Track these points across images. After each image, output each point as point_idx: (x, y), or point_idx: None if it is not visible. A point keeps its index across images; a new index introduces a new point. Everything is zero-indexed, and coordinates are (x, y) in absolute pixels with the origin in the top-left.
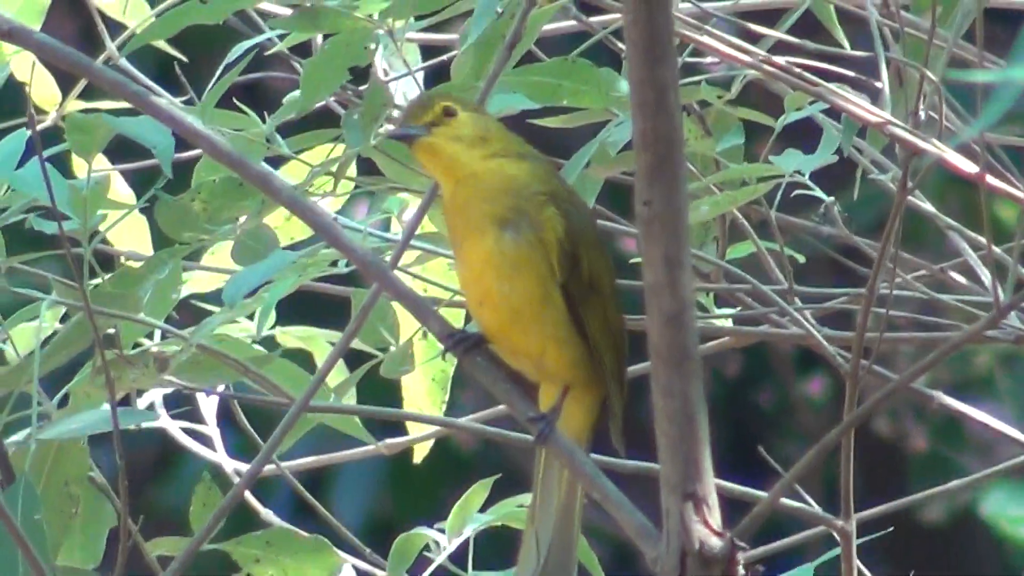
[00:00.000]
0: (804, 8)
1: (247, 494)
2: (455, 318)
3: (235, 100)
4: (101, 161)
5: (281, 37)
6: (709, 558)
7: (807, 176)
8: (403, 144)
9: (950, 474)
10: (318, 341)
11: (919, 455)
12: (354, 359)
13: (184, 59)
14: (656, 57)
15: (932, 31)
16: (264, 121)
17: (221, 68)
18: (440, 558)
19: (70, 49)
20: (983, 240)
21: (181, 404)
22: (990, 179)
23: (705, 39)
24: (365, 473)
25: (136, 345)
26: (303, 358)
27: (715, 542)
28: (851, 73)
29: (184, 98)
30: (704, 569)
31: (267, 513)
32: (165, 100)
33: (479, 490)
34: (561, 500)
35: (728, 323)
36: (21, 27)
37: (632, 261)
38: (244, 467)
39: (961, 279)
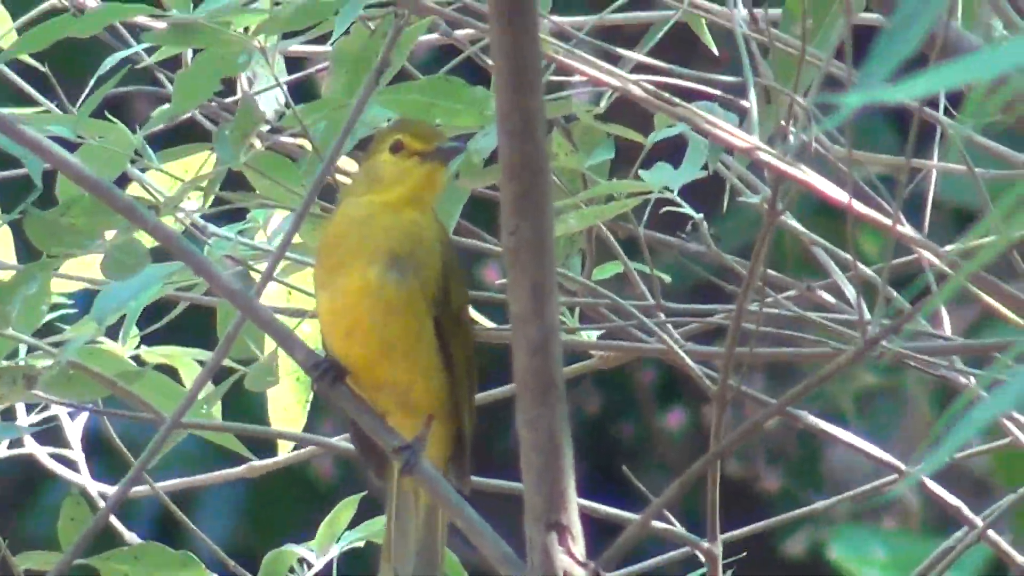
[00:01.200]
0: (671, 24)
1: (111, 517)
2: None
3: (106, 113)
4: None
5: (150, 52)
6: None
7: (676, 192)
8: (431, 160)
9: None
10: (182, 359)
11: (773, 494)
12: (219, 372)
13: (46, 71)
14: (523, 85)
15: (803, 49)
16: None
17: (93, 81)
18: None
19: None
20: (850, 260)
21: (46, 424)
22: (856, 205)
23: (573, 61)
24: (227, 500)
25: (10, 357)
26: (173, 371)
27: (579, 572)
28: (719, 93)
29: (54, 103)
30: None
31: (131, 536)
32: (33, 111)
33: (346, 508)
34: (418, 530)
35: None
36: None
37: (498, 287)
38: (110, 489)
39: (830, 298)
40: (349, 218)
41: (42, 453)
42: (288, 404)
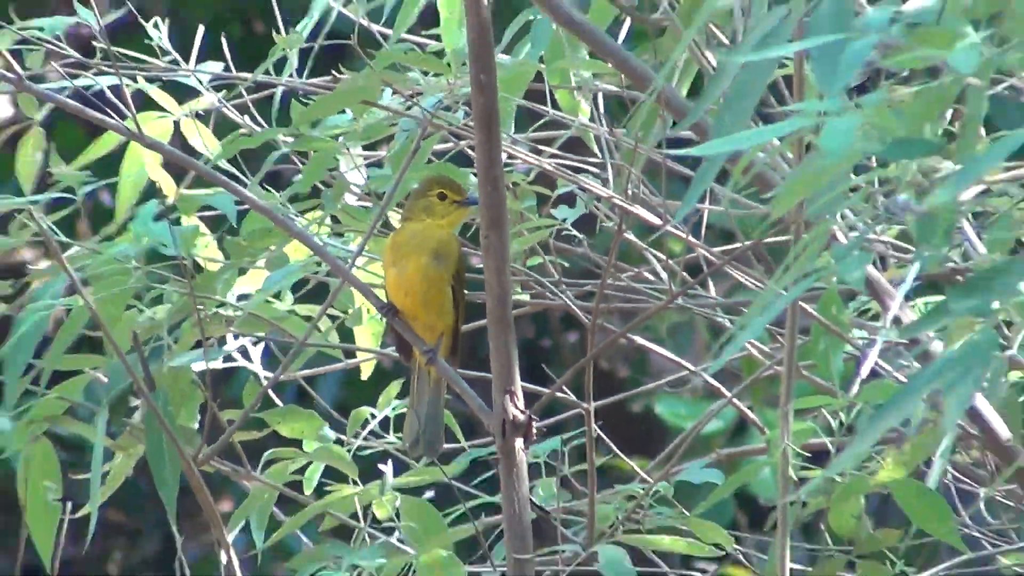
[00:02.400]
0: (568, 134)
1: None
2: (382, 295)
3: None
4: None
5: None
6: (517, 425)
7: (568, 223)
8: (461, 205)
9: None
10: (314, 310)
11: (625, 377)
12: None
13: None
14: (492, 163)
15: (636, 145)
16: (283, 185)
17: (264, 168)
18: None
19: (188, 157)
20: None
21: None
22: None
23: (517, 151)
24: (333, 384)
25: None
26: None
27: (521, 416)
28: (592, 168)
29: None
30: (515, 431)
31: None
32: (229, 181)
33: (395, 386)
34: (430, 393)
35: (526, 298)
36: (159, 142)
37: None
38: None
39: (651, 277)
40: (411, 232)
41: (240, 359)
42: (366, 334)
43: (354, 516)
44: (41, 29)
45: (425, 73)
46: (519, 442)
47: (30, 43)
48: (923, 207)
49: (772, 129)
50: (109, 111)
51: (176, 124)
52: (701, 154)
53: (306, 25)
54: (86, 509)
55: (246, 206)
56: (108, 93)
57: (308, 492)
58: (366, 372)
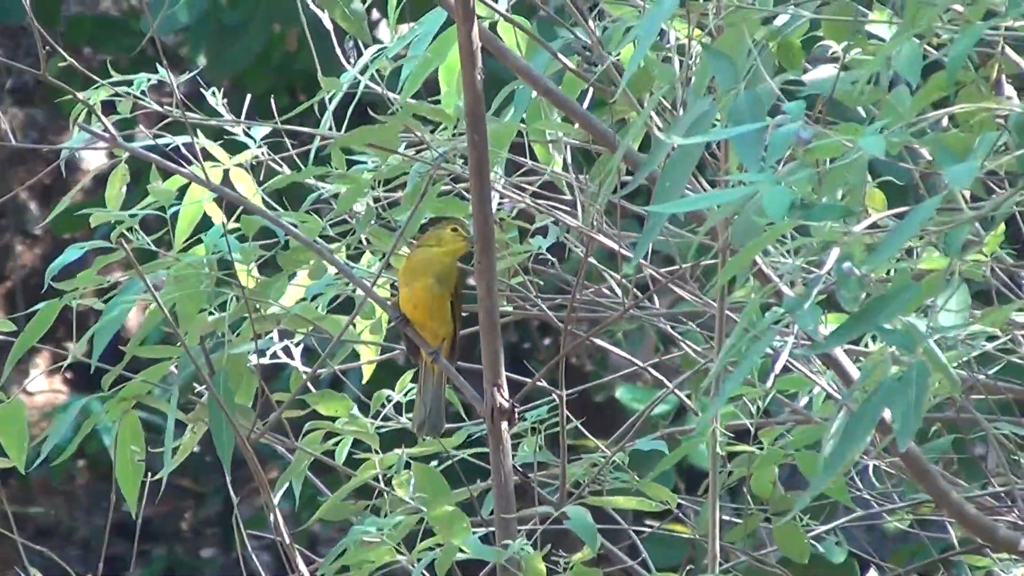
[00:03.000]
0: (543, 179)
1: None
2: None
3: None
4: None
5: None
6: (503, 411)
7: (543, 248)
8: (466, 240)
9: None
10: (344, 317)
11: (590, 371)
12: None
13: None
14: (483, 202)
15: (599, 188)
16: (322, 219)
17: (305, 205)
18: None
19: (242, 196)
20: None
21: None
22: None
23: (504, 191)
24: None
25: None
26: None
27: (506, 404)
28: (563, 206)
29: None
30: (501, 416)
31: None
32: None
33: (408, 375)
34: (433, 385)
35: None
36: (219, 186)
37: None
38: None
39: (609, 292)
40: (421, 258)
41: (284, 356)
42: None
43: (375, 480)
44: (130, 84)
45: (432, 130)
46: (504, 425)
47: (120, 95)
48: (859, 272)
49: (706, 197)
50: (175, 158)
51: (226, 172)
52: (650, 210)
53: (339, 88)
54: (160, 474)
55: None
56: (181, 148)
57: (340, 461)
58: (367, 374)
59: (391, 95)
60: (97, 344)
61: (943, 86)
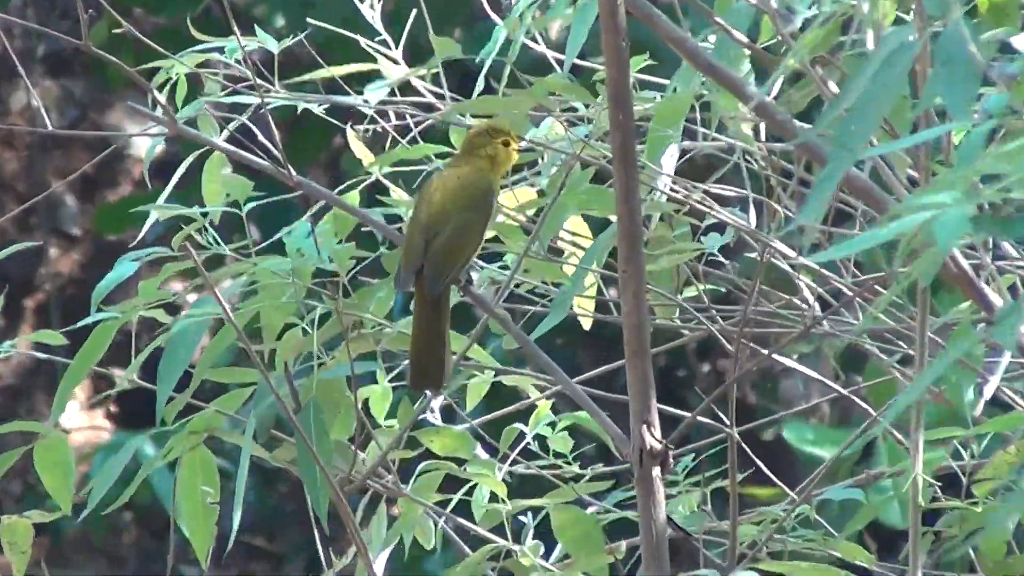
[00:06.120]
0: (726, 168)
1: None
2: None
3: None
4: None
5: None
6: (655, 454)
7: (716, 249)
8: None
9: (770, 415)
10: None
11: (756, 405)
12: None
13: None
14: (630, 195)
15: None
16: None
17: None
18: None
19: (327, 191)
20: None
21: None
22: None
23: (655, 184)
24: None
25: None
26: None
27: (657, 445)
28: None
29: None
30: (651, 461)
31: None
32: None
33: (545, 407)
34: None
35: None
36: (307, 182)
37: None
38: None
39: (802, 304)
40: (463, 180)
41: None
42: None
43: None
44: (221, 51)
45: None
46: (656, 470)
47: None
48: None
49: (874, 235)
50: (256, 151)
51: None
52: (831, 163)
53: (453, 51)
54: (230, 527)
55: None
56: (258, 134)
57: (477, 513)
58: (472, 399)
59: (551, 55)
60: (164, 376)
61: None
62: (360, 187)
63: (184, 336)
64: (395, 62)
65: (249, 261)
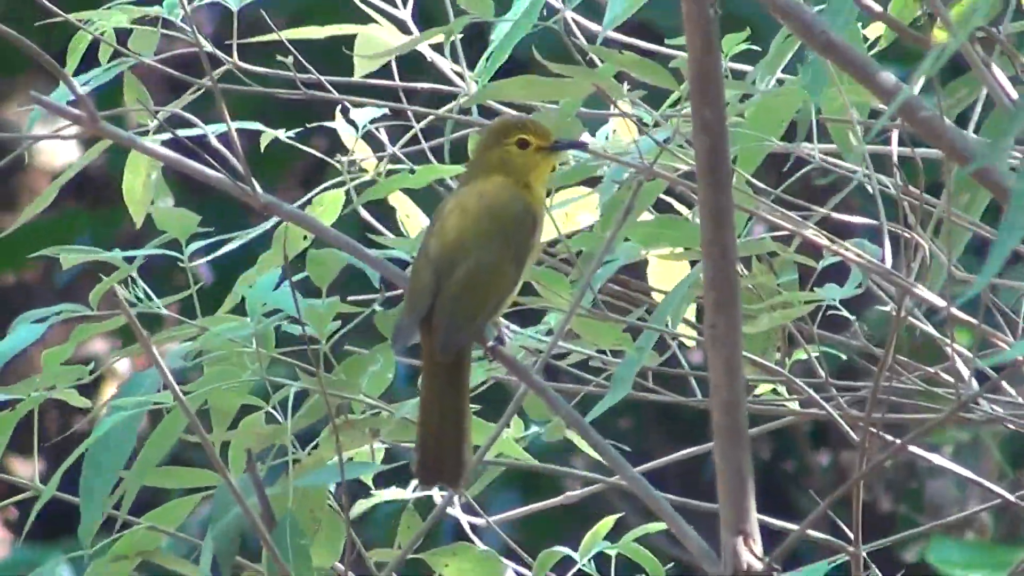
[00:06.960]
0: (849, 189)
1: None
2: None
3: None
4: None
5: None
6: (754, 575)
7: (838, 302)
8: (547, 151)
9: (912, 527)
10: None
11: (891, 514)
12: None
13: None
14: (720, 224)
15: (932, 237)
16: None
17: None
18: (577, 566)
19: (314, 218)
20: (960, 351)
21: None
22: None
23: (759, 210)
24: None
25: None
26: None
27: (758, 565)
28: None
29: None
30: None
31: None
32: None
33: (607, 523)
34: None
35: (794, 404)
36: (278, 202)
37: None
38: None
39: (948, 378)
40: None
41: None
42: None
43: None
44: (160, 3)
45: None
46: None
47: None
48: None
49: None
50: (208, 158)
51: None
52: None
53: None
54: None
55: None
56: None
57: None
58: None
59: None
60: (89, 492)
61: None
62: (344, 188)
63: (113, 438)
64: (402, 29)
65: (194, 324)
